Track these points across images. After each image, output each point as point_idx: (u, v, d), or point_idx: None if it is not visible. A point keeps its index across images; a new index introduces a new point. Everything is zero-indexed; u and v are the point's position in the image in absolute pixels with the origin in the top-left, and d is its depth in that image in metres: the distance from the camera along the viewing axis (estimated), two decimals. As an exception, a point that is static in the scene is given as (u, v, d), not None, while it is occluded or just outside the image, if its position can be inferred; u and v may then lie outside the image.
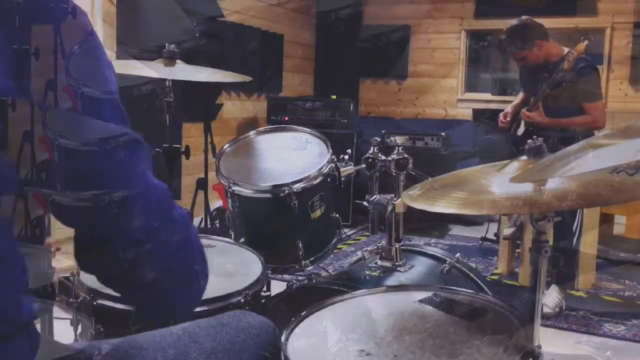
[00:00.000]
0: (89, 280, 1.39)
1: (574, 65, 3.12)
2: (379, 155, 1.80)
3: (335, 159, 1.89)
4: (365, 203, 1.80)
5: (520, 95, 3.55)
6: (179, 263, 0.83)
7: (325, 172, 1.83)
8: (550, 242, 1.12)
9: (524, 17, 3.33)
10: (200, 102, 4.40)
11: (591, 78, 3.21)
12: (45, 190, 0.73)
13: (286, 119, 5.01)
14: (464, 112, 6.28)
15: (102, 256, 0.78)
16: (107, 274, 0.83)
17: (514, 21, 3.33)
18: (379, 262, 1.76)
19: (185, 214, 0.86)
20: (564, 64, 3.12)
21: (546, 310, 2.92)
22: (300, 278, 1.97)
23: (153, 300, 0.86)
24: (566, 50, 3.24)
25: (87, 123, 0.74)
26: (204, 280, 0.91)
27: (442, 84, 6.41)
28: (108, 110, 0.76)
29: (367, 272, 1.72)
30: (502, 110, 3.60)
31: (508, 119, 3.50)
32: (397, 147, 1.79)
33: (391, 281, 1.66)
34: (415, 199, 1.21)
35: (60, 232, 0.88)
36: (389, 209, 1.74)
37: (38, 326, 0.81)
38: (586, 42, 3.17)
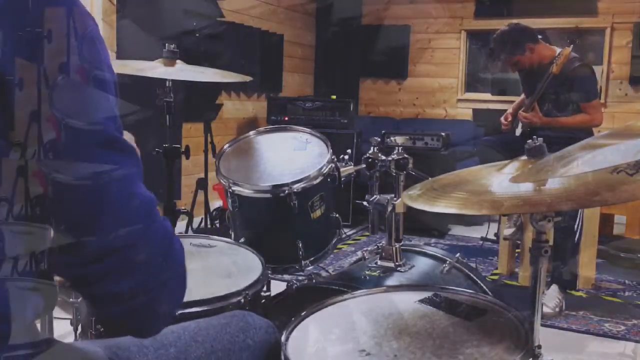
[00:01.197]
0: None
1: (569, 66, 3.15)
2: (379, 155, 1.80)
3: (335, 159, 1.89)
4: (365, 203, 1.80)
5: (522, 96, 3.57)
6: (147, 283, 0.78)
7: (325, 172, 1.83)
8: (551, 242, 1.12)
9: (512, 22, 3.36)
10: (200, 102, 4.40)
11: (586, 77, 3.23)
12: (42, 226, 0.72)
13: (286, 119, 5.01)
14: (464, 112, 6.29)
15: (70, 262, 0.75)
16: (73, 281, 0.80)
17: (503, 27, 3.35)
18: (379, 262, 1.76)
19: (167, 231, 0.81)
20: (553, 68, 3.15)
21: (546, 310, 2.93)
22: (300, 278, 1.97)
23: (113, 313, 0.82)
24: (558, 50, 3.27)
25: (80, 157, 0.72)
26: (172, 306, 0.86)
27: (442, 84, 6.41)
28: (96, 147, 0.73)
29: (367, 272, 1.72)
30: (502, 110, 3.62)
31: (509, 119, 3.52)
32: (397, 147, 1.80)
33: (391, 281, 1.66)
34: (415, 199, 1.21)
35: (60, 232, 0.87)
36: (389, 209, 1.74)
37: (38, 326, 0.81)
38: (571, 45, 3.22)
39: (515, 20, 3.44)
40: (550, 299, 3.01)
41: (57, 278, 0.82)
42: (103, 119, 0.74)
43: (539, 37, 3.37)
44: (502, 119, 3.56)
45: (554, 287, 3.08)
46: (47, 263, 0.76)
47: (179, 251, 0.83)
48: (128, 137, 0.82)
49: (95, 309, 0.83)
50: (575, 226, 3.14)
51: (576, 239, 3.16)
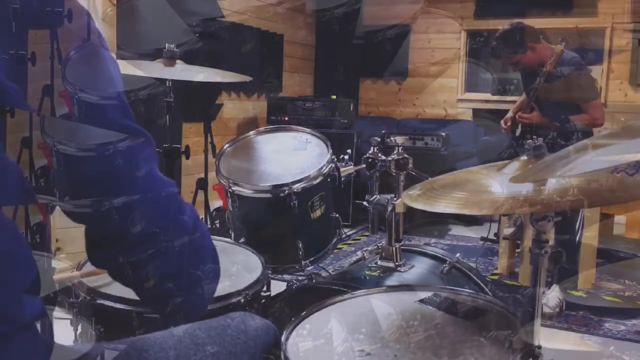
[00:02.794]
0: (89, 280, 1.40)
1: (566, 66, 3.15)
2: (379, 155, 1.80)
3: (335, 159, 1.89)
4: (365, 203, 1.80)
5: (521, 97, 3.57)
6: (182, 266, 0.82)
7: (325, 172, 1.83)
8: (552, 242, 1.12)
9: (515, 21, 3.36)
10: (200, 102, 4.40)
11: (585, 78, 3.23)
12: (46, 197, 0.73)
13: (286, 119, 5.01)
14: (464, 112, 6.28)
15: (108, 252, 0.78)
16: (114, 270, 0.83)
17: (505, 26, 3.35)
18: (379, 262, 1.76)
19: (194, 214, 0.85)
20: (546, 67, 3.16)
21: (546, 310, 2.92)
22: (300, 278, 1.97)
23: (157, 300, 0.86)
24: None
25: (85, 129, 0.74)
26: (211, 283, 0.90)
27: (442, 84, 6.41)
28: (109, 113, 0.75)
29: (367, 272, 1.72)
30: (502, 109, 3.62)
31: (509, 123, 3.52)
32: (397, 147, 1.80)
33: (391, 281, 1.66)
34: (415, 199, 1.21)
35: (60, 231, 0.88)
36: (389, 209, 1.74)
37: (38, 326, 0.81)
38: (564, 43, 3.21)
39: (515, 20, 3.43)
40: (551, 299, 3.01)
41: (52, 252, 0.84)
42: (116, 94, 0.76)
43: (540, 37, 3.37)
44: (502, 122, 3.56)
45: (555, 287, 3.08)
46: (88, 257, 0.78)
47: (206, 235, 0.88)
48: None
49: (137, 294, 0.85)
50: (576, 227, 3.14)
51: (576, 238, 3.16)
